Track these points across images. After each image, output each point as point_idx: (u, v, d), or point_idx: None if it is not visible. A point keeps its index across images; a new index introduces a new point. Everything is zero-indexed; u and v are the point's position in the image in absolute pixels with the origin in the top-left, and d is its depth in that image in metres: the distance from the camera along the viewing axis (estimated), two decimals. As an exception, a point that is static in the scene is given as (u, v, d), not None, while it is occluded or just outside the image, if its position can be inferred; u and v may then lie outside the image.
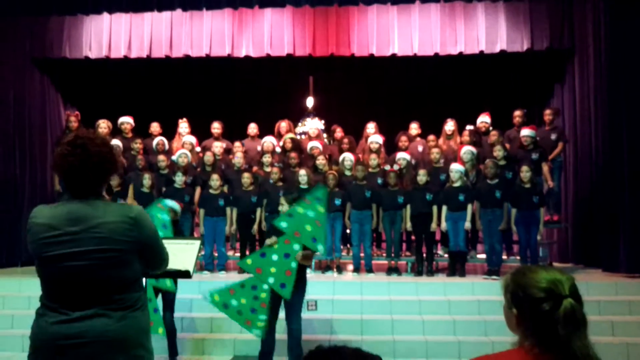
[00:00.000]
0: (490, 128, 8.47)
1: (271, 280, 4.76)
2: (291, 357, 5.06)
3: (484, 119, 8.56)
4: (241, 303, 4.77)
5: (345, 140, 8.75)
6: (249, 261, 4.92)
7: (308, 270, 7.38)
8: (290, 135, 8.95)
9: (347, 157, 8.08)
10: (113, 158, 2.32)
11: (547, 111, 8.37)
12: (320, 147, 8.68)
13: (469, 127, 8.39)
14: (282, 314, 5.05)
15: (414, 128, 8.89)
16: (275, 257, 4.79)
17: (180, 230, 6.15)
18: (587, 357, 1.56)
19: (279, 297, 4.94)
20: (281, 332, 5.42)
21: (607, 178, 7.71)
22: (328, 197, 5.36)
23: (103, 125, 8.33)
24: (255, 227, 7.78)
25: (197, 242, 4.16)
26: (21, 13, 8.89)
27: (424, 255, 7.49)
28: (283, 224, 4.90)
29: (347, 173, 7.97)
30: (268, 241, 4.93)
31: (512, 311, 1.67)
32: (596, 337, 5.77)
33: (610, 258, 7.54)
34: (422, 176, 7.47)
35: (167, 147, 8.74)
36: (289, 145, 8.52)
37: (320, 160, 8.14)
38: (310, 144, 8.75)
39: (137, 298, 2.27)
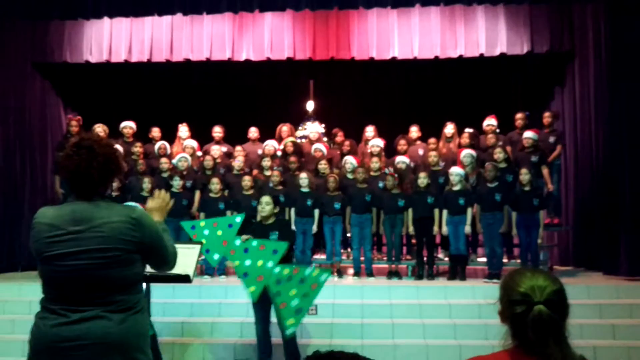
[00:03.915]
0: (497, 131, 8.44)
1: (270, 264, 4.71)
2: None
3: (490, 122, 8.48)
4: (295, 294, 4.62)
5: (347, 143, 8.75)
6: (252, 289, 4.77)
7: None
8: (291, 139, 8.95)
9: (349, 160, 8.07)
10: (117, 160, 2.36)
11: (546, 114, 8.36)
12: (325, 150, 8.67)
13: (468, 130, 8.38)
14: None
15: (414, 131, 8.87)
16: (248, 262, 4.80)
17: None
18: None
19: (268, 303, 4.90)
20: (277, 336, 5.42)
21: (607, 181, 7.70)
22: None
23: (99, 130, 8.22)
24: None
25: (197, 247, 4.17)
26: (22, 18, 8.89)
27: (425, 258, 7.48)
28: (216, 259, 5.10)
29: (349, 176, 7.95)
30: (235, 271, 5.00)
31: (499, 307, 1.79)
32: (597, 341, 5.82)
33: (611, 261, 7.52)
34: (422, 179, 7.46)
35: (168, 151, 8.75)
36: (290, 149, 8.52)
37: (323, 165, 8.14)
38: (314, 146, 8.73)
39: (138, 300, 2.28)
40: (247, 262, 4.78)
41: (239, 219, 5.13)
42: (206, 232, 5.06)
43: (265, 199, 5.23)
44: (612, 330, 5.89)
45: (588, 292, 6.47)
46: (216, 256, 5.06)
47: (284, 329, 4.63)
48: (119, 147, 8.11)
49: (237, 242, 4.91)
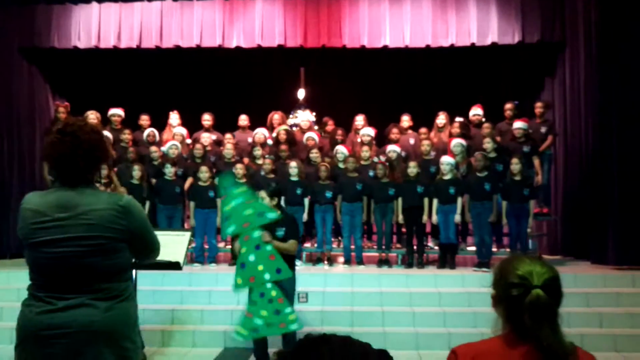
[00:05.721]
0: (483, 120, 8.48)
1: (267, 276, 4.62)
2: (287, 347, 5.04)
3: (476, 112, 8.56)
4: (264, 316, 4.56)
5: (339, 132, 8.73)
6: (239, 281, 4.69)
7: (298, 263, 7.43)
8: (284, 127, 8.91)
9: (340, 150, 8.05)
10: (104, 146, 2.31)
11: (538, 104, 8.38)
12: (317, 138, 8.64)
13: (459, 119, 8.39)
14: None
15: (406, 120, 8.86)
16: (252, 258, 4.65)
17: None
18: (556, 348, 1.61)
19: None
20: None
21: (596, 171, 7.75)
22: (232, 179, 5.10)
23: (92, 117, 8.19)
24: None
25: (187, 234, 4.17)
26: (8, 2, 8.76)
27: (415, 247, 7.51)
28: (230, 230, 4.79)
29: (341, 165, 7.95)
30: (235, 250, 4.94)
31: (492, 292, 1.78)
32: (584, 329, 5.87)
33: (599, 250, 7.59)
34: (412, 168, 7.47)
35: (157, 138, 8.68)
36: (282, 137, 8.47)
37: (314, 153, 8.11)
38: (307, 135, 8.70)
39: (124, 288, 2.26)
40: (251, 258, 4.65)
41: (274, 215, 4.75)
42: (236, 202, 4.68)
43: (261, 194, 5.11)
44: (599, 319, 5.96)
45: (575, 281, 6.54)
46: (231, 229, 4.76)
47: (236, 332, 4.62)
48: (107, 134, 8.08)
49: (257, 234, 4.67)
